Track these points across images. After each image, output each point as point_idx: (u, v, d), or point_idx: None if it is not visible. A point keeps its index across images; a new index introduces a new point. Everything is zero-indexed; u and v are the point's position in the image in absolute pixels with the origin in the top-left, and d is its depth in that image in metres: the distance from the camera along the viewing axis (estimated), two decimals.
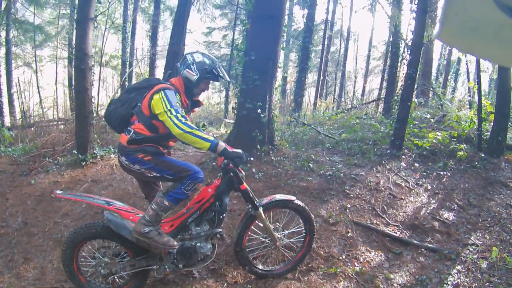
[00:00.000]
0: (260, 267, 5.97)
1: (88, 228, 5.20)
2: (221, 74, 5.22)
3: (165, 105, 4.64)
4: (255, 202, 5.43)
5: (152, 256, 5.28)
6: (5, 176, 8.64)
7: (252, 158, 5.62)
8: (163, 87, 4.84)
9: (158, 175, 4.94)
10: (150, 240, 4.90)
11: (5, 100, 20.76)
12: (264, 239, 5.94)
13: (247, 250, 5.88)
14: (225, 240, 5.95)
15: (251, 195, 5.36)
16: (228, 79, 5.70)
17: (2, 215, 7.54)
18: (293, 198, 5.78)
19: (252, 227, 5.79)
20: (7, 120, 19.47)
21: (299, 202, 5.79)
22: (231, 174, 5.20)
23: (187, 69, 5.05)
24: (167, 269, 5.31)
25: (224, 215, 5.36)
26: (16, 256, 6.64)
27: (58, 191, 5.34)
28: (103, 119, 9.54)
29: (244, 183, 5.31)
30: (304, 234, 6.00)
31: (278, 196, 5.82)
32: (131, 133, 4.92)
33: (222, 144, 4.69)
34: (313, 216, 5.97)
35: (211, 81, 5.35)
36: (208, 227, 5.28)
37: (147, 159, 4.90)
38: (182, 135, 4.48)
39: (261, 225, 5.62)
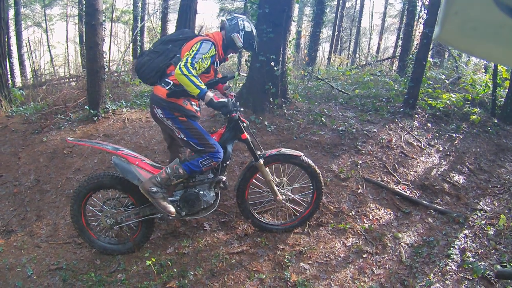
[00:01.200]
0: (264, 220, 6.02)
1: (91, 179, 5.32)
2: (255, 48, 5.63)
3: (191, 50, 4.80)
4: (256, 153, 5.48)
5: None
6: (17, 135, 8.67)
7: (242, 109, 5.63)
8: (203, 39, 5.00)
9: (185, 138, 5.02)
10: (153, 200, 5.01)
11: (15, 61, 20.73)
12: (265, 193, 5.99)
13: (250, 203, 5.92)
14: (228, 188, 5.93)
15: (251, 145, 5.41)
16: (256, 52, 6.68)
17: (14, 174, 7.60)
18: (299, 154, 5.75)
19: (255, 181, 5.86)
20: (18, 80, 19.46)
21: (305, 158, 5.77)
22: (234, 123, 5.29)
23: (237, 33, 5.22)
24: (170, 218, 5.37)
25: (228, 163, 5.47)
26: (29, 214, 6.72)
27: (69, 138, 5.57)
28: (116, 73, 9.55)
29: (246, 133, 5.38)
30: (311, 190, 6.00)
31: (284, 150, 5.81)
32: (170, 85, 4.97)
33: (209, 95, 4.78)
34: (320, 173, 5.93)
35: None
36: (211, 174, 5.37)
37: (181, 119, 5.01)
38: (179, 76, 4.61)
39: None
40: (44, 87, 13.27)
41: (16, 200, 7.03)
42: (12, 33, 20.89)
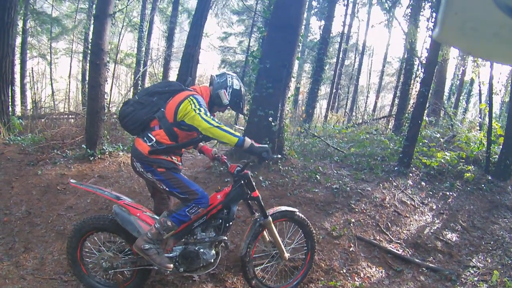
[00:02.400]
0: (268, 284, 5.89)
1: (97, 219, 5.31)
2: (241, 108, 5.49)
3: (194, 105, 4.71)
4: (265, 210, 5.41)
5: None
6: (12, 165, 8.67)
7: (279, 156, 5.62)
8: (191, 94, 4.94)
9: (167, 189, 4.97)
10: (148, 257, 4.96)
11: (17, 90, 20.82)
12: (271, 252, 5.85)
13: (254, 262, 5.79)
14: (229, 248, 5.94)
15: (262, 203, 5.37)
16: (244, 113, 6.61)
17: (6, 203, 7.56)
18: (295, 210, 5.78)
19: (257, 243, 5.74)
20: (18, 110, 19.53)
21: (302, 215, 5.78)
22: (244, 181, 5.22)
23: (224, 90, 5.18)
24: (167, 272, 5.35)
25: (231, 223, 5.34)
26: (17, 244, 6.68)
27: (72, 180, 5.45)
28: (117, 117, 9.57)
29: (256, 191, 5.34)
30: (305, 250, 5.96)
31: (283, 208, 5.80)
32: (153, 142, 4.91)
33: (249, 140, 4.71)
34: (314, 232, 5.95)
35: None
36: (213, 233, 5.27)
37: (160, 170, 4.92)
38: (211, 129, 4.53)
39: (267, 237, 5.60)
40: (43, 120, 13.27)
41: (5, 229, 7.00)
42: (17, 61, 21.02)
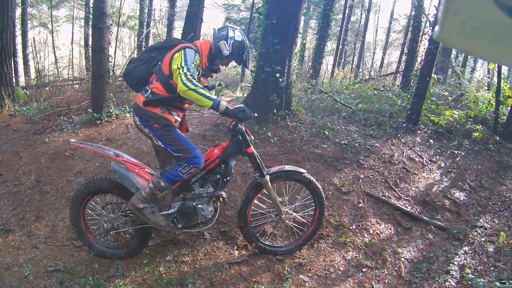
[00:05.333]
0: (268, 243, 5.89)
1: (88, 183, 5.30)
2: (245, 60, 5.23)
3: (180, 62, 4.61)
4: (262, 169, 5.34)
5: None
6: (19, 135, 8.65)
7: (255, 114, 5.49)
8: (185, 46, 4.83)
9: (162, 146, 4.99)
10: (142, 215, 5.00)
11: (20, 61, 20.76)
12: (268, 213, 5.88)
13: (252, 225, 5.79)
14: (228, 205, 5.91)
15: (258, 160, 5.28)
16: (248, 68, 6.21)
17: (15, 174, 7.58)
18: (303, 170, 5.65)
19: (256, 201, 5.70)
20: (22, 80, 19.48)
21: (309, 176, 5.67)
22: (239, 136, 5.13)
23: (224, 41, 5.00)
24: (167, 229, 5.38)
25: (229, 178, 5.31)
26: (28, 214, 6.70)
27: (72, 140, 5.50)
28: (120, 78, 9.51)
29: (252, 147, 5.22)
30: (313, 207, 5.87)
31: (288, 167, 5.72)
32: (148, 93, 4.94)
33: (224, 103, 4.66)
34: (321, 188, 5.83)
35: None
36: (211, 189, 5.25)
37: (156, 126, 4.94)
38: (186, 92, 4.45)
39: (267, 193, 5.48)
40: (47, 88, 13.24)
41: (16, 200, 7.02)
42: (18, 32, 20.91)
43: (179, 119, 5.17)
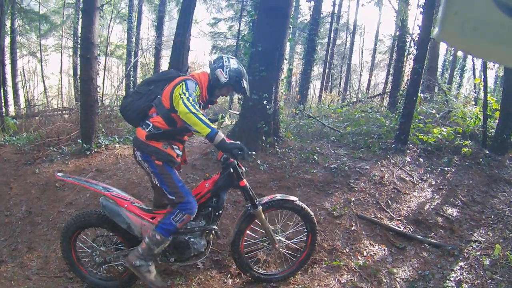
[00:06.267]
0: (262, 272, 5.84)
1: (78, 217, 5.25)
2: (245, 87, 5.24)
3: (182, 89, 4.61)
4: (255, 200, 5.28)
5: None
6: (9, 165, 8.67)
7: (254, 152, 5.45)
8: (185, 78, 4.83)
9: (158, 184, 4.91)
10: (139, 274, 4.92)
11: (9, 90, 20.82)
12: (261, 242, 5.86)
13: (245, 255, 5.74)
14: (221, 238, 5.89)
15: (250, 192, 5.21)
16: (249, 95, 6.04)
17: (6, 204, 7.57)
18: (294, 198, 5.61)
19: (248, 231, 5.65)
20: (11, 109, 19.51)
21: (300, 203, 5.62)
22: (231, 169, 5.07)
23: (220, 69, 5.04)
24: (159, 262, 5.27)
25: (221, 212, 5.25)
26: (20, 245, 6.69)
27: (58, 173, 5.40)
28: (109, 108, 9.52)
29: (244, 180, 5.17)
30: (306, 233, 5.84)
31: (279, 196, 5.66)
32: (150, 127, 4.86)
33: (221, 135, 4.56)
34: (313, 215, 5.81)
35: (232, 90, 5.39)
36: (203, 222, 5.16)
37: (157, 163, 4.85)
38: (187, 114, 4.39)
39: (260, 224, 5.43)
40: (37, 117, 13.36)
41: (7, 231, 7.02)
42: (7, 61, 20.99)
43: (181, 153, 5.13)
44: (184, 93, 4.55)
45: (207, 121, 4.47)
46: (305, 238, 5.87)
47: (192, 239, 5.09)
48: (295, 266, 5.88)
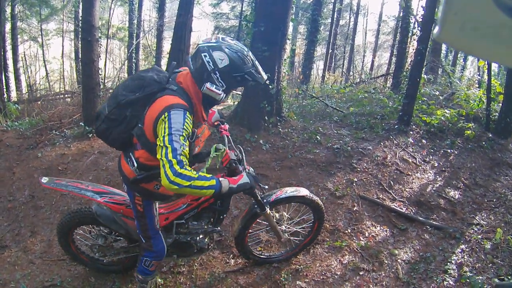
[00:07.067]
0: (265, 255, 5.79)
1: (74, 216, 4.99)
2: (258, 76, 3.77)
3: (163, 138, 3.40)
4: (262, 203, 4.93)
5: None
6: (12, 150, 8.65)
7: (266, 186, 5.13)
8: (169, 107, 3.49)
9: (133, 215, 4.44)
10: None
11: (11, 75, 20.82)
12: (267, 233, 5.86)
13: (249, 245, 5.65)
14: (223, 235, 5.87)
15: (259, 197, 4.88)
16: (265, 78, 3.93)
17: (9, 189, 7.55)
18: (305, 193, 5.36)
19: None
20: (13, 95, 19.54)
21: (311, 195, 5.41)
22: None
23: (208, 84, 3.59)
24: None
25: (225, 215, 4.99)
26: (23, 229, 6.67)
27: (43, 180, 4.86)
28: (111, 90, 9.39)
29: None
30: (312, 220, 5.73)
31: (289, 192, 5.34)
32: (135, 166, 3.95)
33: (225, 183, 3.75)
34: (322, 205, 5.62)
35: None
36: (206, 224, 4.87)
37: (137, 198, 4.24)
38: (177, 190, 3.44)
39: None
40: (39, 102, 13.37)
41: (10, 216, 7.00)
42: (8, 47, 20.97)
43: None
44: (166, 147, 3.36)
45: (204, 182, 3.50)
46: (311, 225, 5.79)
47: (195, 238, 4.90)
48: (298, 249, 5.85)
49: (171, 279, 5.42)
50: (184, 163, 3.37)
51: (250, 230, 5.51)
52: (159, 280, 5.28)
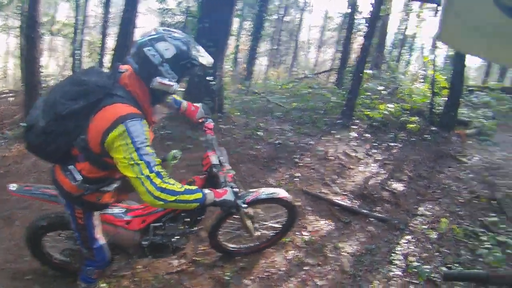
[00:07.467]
0: (236, 247, 5.67)
1: (40, 222, 4.63)
2: (203, 62, 3.58)
3: (130, 156, 3.09)
4: (238, 204, 4.41)
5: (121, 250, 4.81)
6: None
7: (246, 205, 5.01)
8: (123, 118, 3.10)
9: (72, 226, 4.00)
10: None
11: None
12: (239, 231, 5.64)
13: (220, 239, 5.49)
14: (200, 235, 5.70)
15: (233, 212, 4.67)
16: (212, 61, 3.79)
17: None
18: (284, 195, 5.20)
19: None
20: None
21: (290, 199, 5.27)
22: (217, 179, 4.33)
23: (159, 78, 3.29)
24: (137, 259, 4.95)
25: (203, 216, 4.80)
26: None
27: (12, 187, 4.47)
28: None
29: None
30: (285, 218, 5.55)
31: (265, 194, 5.16)
32: (79, 181, 3.54)
33: (210, 196, 3.51)
34: (297, 208, 5.59)
35: None
36: (183, 225, 4.69)
37: (77, 211, 3.87)
38: (163, 205, 3.25)
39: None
40: None
41: None
42: None
43: (117, 185, 4.05)
44: (139, 164, 3.09)
45: (190, 196, 3.31)
46: (284, 222, 5.63)
47: (171, 239, 4.70)
48: (269, 243, 5.76)
49: (115, 282, 5.19)
50: (162, 173, 3.18)
51: (220, 233, 5.40)
52: (103, 284, 5.08)
